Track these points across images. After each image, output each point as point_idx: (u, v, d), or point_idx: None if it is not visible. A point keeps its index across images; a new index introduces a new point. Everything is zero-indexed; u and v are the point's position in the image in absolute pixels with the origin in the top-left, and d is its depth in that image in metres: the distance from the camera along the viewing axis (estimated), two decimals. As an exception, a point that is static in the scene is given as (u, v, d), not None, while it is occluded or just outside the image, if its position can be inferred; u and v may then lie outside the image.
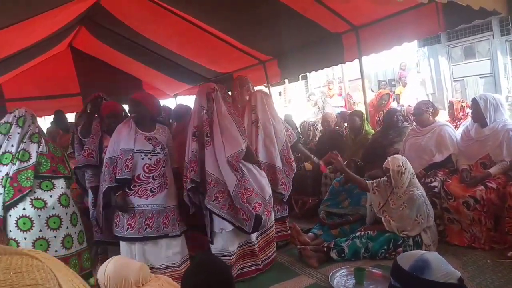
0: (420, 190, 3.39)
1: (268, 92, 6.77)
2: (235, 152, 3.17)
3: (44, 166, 2.97)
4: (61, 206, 2.98)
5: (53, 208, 2.94)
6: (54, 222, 2.93)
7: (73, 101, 7.19)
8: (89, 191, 3.62)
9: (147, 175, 3.14)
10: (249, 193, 3.20)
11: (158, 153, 3.20)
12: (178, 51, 6.41)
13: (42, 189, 2.94)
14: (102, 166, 3.40)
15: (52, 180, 3.01)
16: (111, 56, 7.04)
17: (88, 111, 3.81)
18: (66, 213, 3.02)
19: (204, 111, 3.21)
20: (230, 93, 3.99)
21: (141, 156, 3.14)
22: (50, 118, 6.60)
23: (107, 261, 2.07)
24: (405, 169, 3.39)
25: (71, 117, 6.39)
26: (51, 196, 2.95)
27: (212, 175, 3.16)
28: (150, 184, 3.13)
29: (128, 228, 3.10)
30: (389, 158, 3.48)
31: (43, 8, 3.55)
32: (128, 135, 3.14)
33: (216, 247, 3.27)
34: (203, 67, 6.95)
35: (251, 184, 3.24)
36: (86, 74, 7.15)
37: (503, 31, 10.03)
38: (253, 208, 3.15)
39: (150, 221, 3.11)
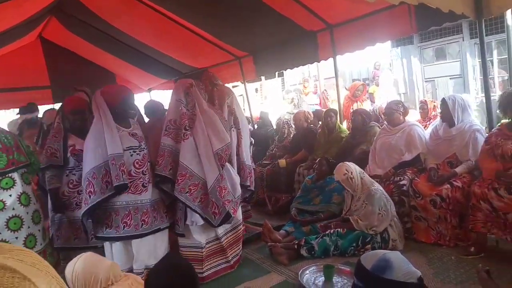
0: (375, 185, 3.50)
1: (244, 88, 6.82)
2: (224, 145, 3.21)
3: (1, 162, 2.74)
4: (21, 206, 2.80)
5: (13, 208, 2.75)
6: (15, 223, 2.75)
7: (43, 94, 6.99)
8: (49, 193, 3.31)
9: (137, 170, 3.05)
10: (223, 190, 3.21)
11: (144, 148, 3.13)
12: (152, 45, 6.31)
13: (1, 188, 2.73)
14: (65, 166, 3.29)
15: (11, 175, 2.80)
16: (83, 48, 6.86)
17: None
18: (27, 213, 2.84)
19: (183, 105, 3.19)
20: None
21: (130, 153, 3.03)
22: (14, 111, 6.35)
23: (76, 257, 2.01)
24: (352, 172, 3.48)
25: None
26: (10, 195, 2.76)
27: (187, 168, 3.14)
28: (141, 180, 3.05)
29: (124, 227, 2.99)
30: (334, 172, 3.60)
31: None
32: (112, 137, 2.95)
33: (186, 240, 3.29)
34: (178, 61, 6.88)
35: (226, 182, 3.25)
36: (57, 66, 6.94)
37: (472, 34, 10.30)
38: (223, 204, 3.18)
39: (146, 216, 3.04)
